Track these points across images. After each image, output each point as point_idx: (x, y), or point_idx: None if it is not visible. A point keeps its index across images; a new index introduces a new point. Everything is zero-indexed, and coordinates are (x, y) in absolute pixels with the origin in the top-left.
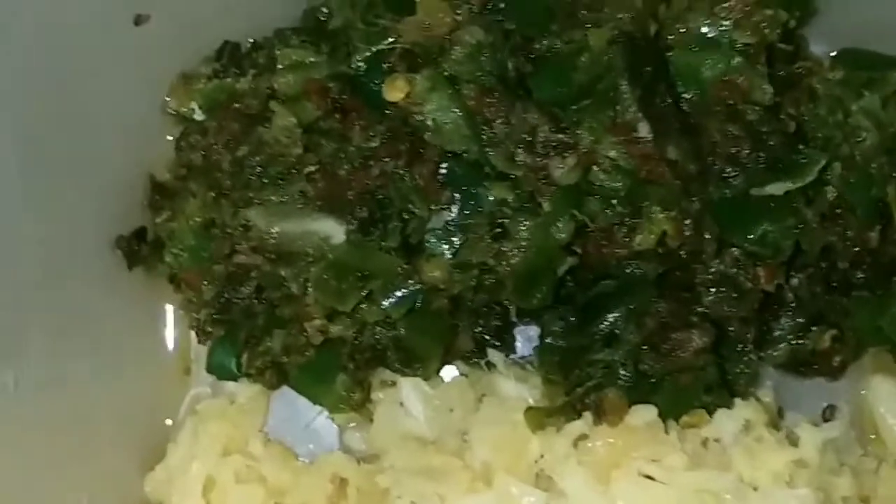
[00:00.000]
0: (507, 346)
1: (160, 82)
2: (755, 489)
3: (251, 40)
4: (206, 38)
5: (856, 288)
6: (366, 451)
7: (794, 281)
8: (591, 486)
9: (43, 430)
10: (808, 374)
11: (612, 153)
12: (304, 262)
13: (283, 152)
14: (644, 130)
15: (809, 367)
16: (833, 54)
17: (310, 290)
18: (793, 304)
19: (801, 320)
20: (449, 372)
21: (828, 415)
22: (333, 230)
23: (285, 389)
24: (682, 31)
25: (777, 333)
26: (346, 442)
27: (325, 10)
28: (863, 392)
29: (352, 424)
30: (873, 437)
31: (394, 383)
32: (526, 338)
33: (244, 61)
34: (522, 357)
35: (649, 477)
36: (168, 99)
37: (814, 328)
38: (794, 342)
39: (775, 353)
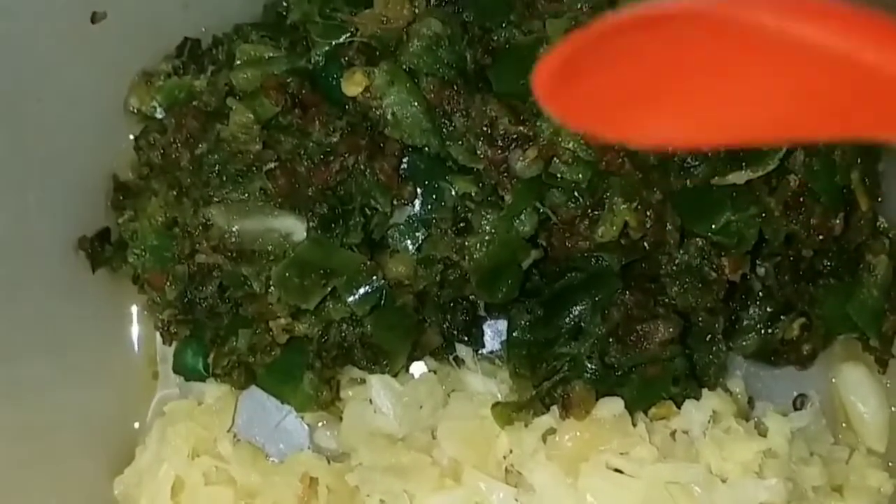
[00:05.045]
0: (476, 341)
1: (121, 81)
2: (724, 480)
3: (212, 36)
4: (167, 35)
5: (823, 276)
6: (336, 449)
7: (761, 270)
8: (560, 480)
9: (7, 434)
10: (779, 363)
11: (572, 144)
12: (265, 260)
13: (241, 149)
14: None
15: (779, 356)
16: None
17: (272, 288)
18: (761, 294)
19: (769, 309)
20: (418, 368)
21: (799, 404)
22: (294, 227)
23: (254, 389)
24: None
25: (746, 323)
26: (317, 441)
27: (284, 4)
28: (833, 380)
29: (322, 423)
30: (844, 425)
31: (363, 381)
32: (495, 332)
33: (204, 58)
34: (492, 352)
35: (618, 470)
36: (129, 97)
37: (782, 317)
38: (763, 331)
39: (745, 343)
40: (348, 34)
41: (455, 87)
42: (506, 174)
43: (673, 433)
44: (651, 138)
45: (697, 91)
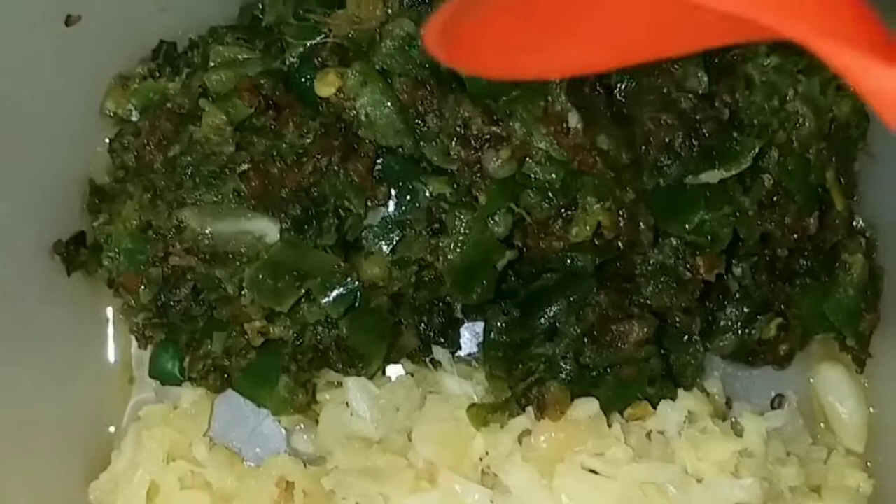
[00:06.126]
0: (453, 344)
1: (97, 84)
2: (700, 481)
3: (188, 39)
4: (143, 38)
5: (799, 276)
6: (314, 453)
7: (738, 270)
8: (536, 481)
9: None
10: (756, 363)
11: (544, 144)
12: (238, 262)
13: (214, 151)
14: (574, 120)
15: (757, 357)
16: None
17: (246, 290)
18: (737, 294)
19: (746, 309)
20: (395, 371)
21: (777, 404)
22: (268, 229)
23: (230, 393)
24: None
25: (723, 323)
26: (294, 444)
27: (260, 6)
28: (811, 380)
29: (299, 427)
30: (823, 425)
31: (340, 384)
32: (472, 334)
33: (180, 60)
34: (469, 354)
35: (593, 471)
36: (105, 100)
37: (759, 317)
38: (740, 332)
39: (722, 344)
40: (322, 35)
41: (428, 88)
42: (479, 174)
43: (648, 434)
44: (533, 70)
45: (567, 24)
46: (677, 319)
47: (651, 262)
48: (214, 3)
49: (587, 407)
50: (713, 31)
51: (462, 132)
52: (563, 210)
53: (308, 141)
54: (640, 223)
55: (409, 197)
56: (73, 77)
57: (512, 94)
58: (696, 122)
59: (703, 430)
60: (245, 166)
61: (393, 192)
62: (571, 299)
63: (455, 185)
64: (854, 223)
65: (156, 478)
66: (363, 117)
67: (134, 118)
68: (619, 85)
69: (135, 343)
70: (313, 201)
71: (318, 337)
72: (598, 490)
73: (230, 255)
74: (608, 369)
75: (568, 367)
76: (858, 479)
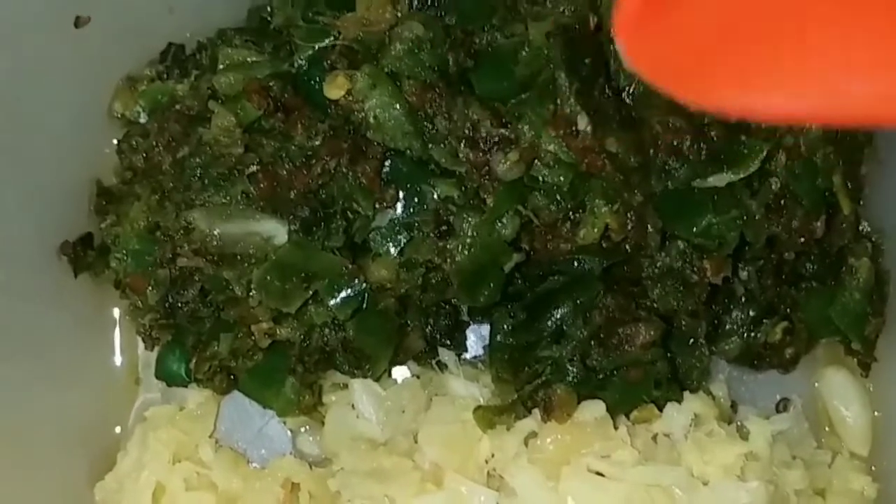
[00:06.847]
0: (459, 346)
1: (105, 85)
2: (705, 483)
3: (197, 41)
4: (151, 40)
5: (805, 279)
6: (319, 454)
7: (744, 273)
8: (542, 483)
9: None
10: (761, 366)
11: (553, 147)
12: (246, 263)
13: (223, 152)
14: (583, 123)
15: (762, 360)
16: None
17: (253, 291)
18: (743, 297)
19: (752, 313)
20: (401, 373)
21: (782, 408)
22: (276, 230)
23: (237, 394)
24: None
25: (728, 327)
26: (299, 446)
27: (269, 9)
28: (816, 384)
29: (304, 428)
30: (828, 429)
31: (345, 386)
32: (478, 337)
33: (188, 63)
34: (475, 356)
35: (599, 473)
36: (114, 102)
37: (765, 321)
38: (745, 335)
39: (727, 347)
40: (331, 38)
41: (437, 90)
42: (487, 177)
43: (654, 436)
44: (768, 105)
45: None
46: (683, 322)
47: (658, 265)
48: (223, 5)
49: (593, 409)
50: None
51: (470, 134)
52: (570, 213)
53: (316, 143)
54: (648, 226)
55: (416, 199)
56: (81, 78)
57: (521, 96)
58: (704, 125)
59: (709, 433)
60: (253, 168)
61: (401, 194)
62: (578, 302)
63: (463, 188)
64: (860, 227)
65: (161, 479)
66: (372, 119)
67: (142, 120)
68: (627, 88)
69: (141, 344)
70: (321, 203)
71: (325, 338)
72: (604, 492)
73: (238, 257)
74: (614, 372)
75: (574, 370)
76: (863, 482)
